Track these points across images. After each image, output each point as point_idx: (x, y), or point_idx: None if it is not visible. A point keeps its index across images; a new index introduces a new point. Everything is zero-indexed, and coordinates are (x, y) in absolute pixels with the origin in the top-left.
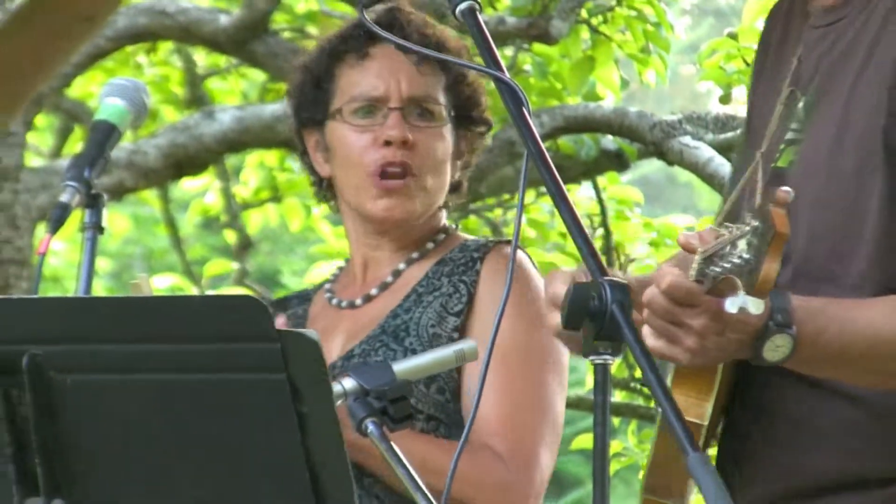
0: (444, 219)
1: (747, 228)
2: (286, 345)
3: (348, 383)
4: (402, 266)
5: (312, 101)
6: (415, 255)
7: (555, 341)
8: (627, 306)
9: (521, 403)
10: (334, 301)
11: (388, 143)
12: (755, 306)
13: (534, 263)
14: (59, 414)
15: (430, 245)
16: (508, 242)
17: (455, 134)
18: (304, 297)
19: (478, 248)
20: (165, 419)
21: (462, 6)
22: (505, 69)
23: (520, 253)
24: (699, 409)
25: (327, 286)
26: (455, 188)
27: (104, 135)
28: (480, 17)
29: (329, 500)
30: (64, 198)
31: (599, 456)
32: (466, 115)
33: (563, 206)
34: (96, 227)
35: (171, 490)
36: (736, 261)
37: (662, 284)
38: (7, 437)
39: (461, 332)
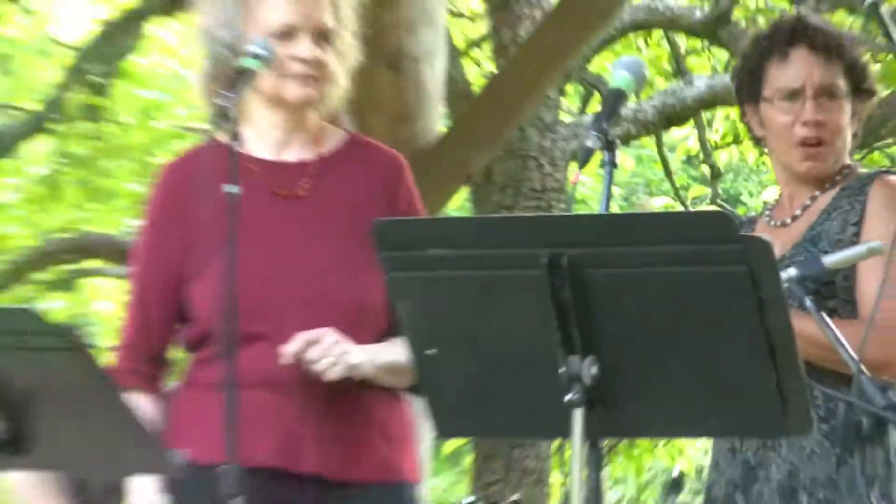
0: (849, 159)
1: None
2: (747, 245)
3: (790, 272)
4: (817, 194)
5: (748, 86)
6: (826, 186)
7: None
8: None
9: None
10: (771, 223)
11: (805, 124)
12: None
13: None
14: (590, 297)
15: (837, 178)
16: (892, 172)
17: (851, 103)
18: (752, 221)
19: (868, 176)
20: (662, 301)
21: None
22: None
23: None
24: None
25: (766, 212)
26: (853, 136)
27: (616, 97)
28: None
29: (783, 367)
30: (589, 143)
31: None
32: (859, 89)
33: None
34: (612, 164)
35: (665, 352)
36: None
37: None
38: (554, 312)
39: (858, 236)
